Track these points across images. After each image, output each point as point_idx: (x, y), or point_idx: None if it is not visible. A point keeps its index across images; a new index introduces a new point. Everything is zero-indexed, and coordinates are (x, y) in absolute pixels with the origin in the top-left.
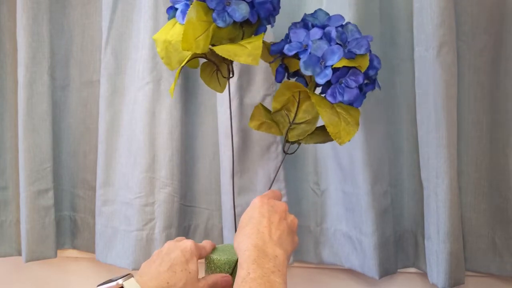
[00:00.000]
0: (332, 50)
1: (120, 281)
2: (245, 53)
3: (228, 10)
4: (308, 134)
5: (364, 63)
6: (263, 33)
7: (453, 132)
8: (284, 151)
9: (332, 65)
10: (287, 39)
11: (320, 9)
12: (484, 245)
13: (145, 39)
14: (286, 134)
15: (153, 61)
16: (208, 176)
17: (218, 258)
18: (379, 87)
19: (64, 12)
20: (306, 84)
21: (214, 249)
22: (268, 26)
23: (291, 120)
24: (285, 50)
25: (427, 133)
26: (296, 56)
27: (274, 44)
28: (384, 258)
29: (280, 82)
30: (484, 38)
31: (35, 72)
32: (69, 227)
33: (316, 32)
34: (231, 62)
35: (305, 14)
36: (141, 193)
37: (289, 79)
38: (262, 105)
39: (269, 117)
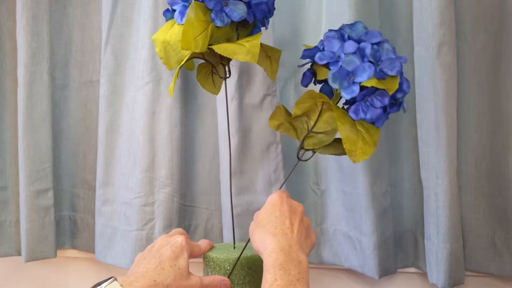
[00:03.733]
0: (363, 68)
1: (103, 286)
2: (243, 51)
3: (226, 10)
4: (325, 145)
5: (393, 86)
6: (260, 32)
7: (453, 132)
8: (298, 158)
9: (360, 82)
10: (321, 46)
11: (359, 22)
12: (484, 245)
13: (145, 39)
14: (303, 141)
15: (152, 61)
16: (207, 176)
17: (218, 257)
18: (405, 110)
19: (64, 12)
20: (331, 94)
21: (212, 248)
22: (265, 28)
23: (309, 128)
24: (316, 58)
25: (427, 133)
26: (327, 65)
27: (306, 49)
28: (383, 258)
29: (305, 86)
30: (484, 38)
31: (34, 72)
32: (68, 227)
33: (350, 45)
34: (228, 62)
35: (343, 24)
36: (140, 193)
37: (315, 84)
38: (284, 107)
39: (288, 120)
